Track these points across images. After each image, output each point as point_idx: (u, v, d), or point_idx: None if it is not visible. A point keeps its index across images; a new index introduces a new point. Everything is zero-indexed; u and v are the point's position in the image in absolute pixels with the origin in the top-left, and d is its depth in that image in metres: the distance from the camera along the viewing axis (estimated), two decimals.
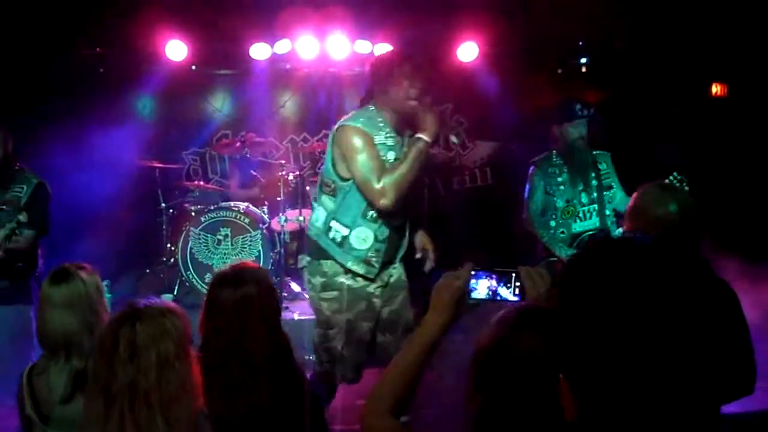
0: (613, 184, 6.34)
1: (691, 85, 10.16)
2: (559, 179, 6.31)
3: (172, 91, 10.33)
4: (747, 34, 8.86)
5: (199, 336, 3.46)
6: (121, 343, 2.77)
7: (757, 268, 7.56)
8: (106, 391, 2.75)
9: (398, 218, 4.78)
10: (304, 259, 4.97)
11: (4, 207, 5.86)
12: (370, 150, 4.49)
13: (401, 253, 5.00)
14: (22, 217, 5.58)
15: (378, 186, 4.43)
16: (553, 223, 6.23)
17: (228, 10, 9.40)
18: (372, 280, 4.80)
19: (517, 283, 2.55)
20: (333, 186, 4.70)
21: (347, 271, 4.74)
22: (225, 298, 3.46)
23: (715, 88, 10.47)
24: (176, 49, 9.75)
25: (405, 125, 4.73)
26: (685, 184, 6.03)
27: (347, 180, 4.61)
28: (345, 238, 4.65)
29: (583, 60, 10.58)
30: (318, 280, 4.82)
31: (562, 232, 6.17)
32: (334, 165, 4.65)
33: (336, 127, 4.66)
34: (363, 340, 4.85)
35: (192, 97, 10.82)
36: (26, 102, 8.91)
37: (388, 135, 4.62)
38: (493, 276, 2.56)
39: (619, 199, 6.21)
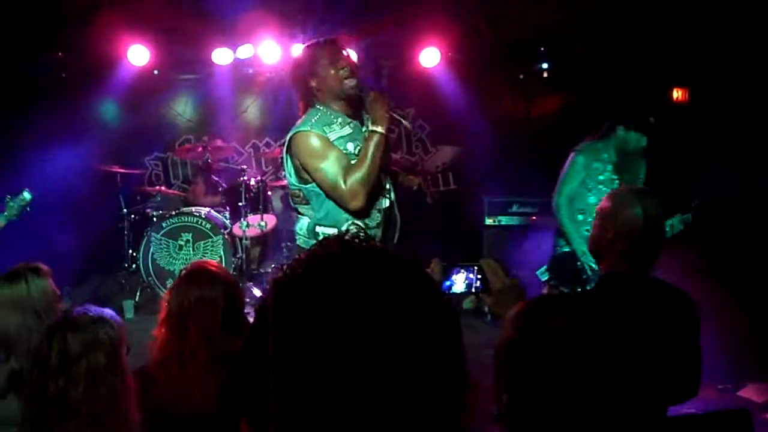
0: None
1: (652, 90, 10.23)
2: (600, 177, 6.21)
3: (135, 95, 10.28)
4: (707, 38, 8.94)
5: (156, 338, 3.47)
6: (53, 352, 2.77)
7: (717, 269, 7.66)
8: (39, 399, 2.75)
9: (385, 201, 4.68)
10: None
11: None
12: (330, 151, 4.33)
13: (397, 233, 4.89)
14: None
15: (346, 188, 4.26)
16: (580, 217, 6.19)
17: (190, 15, 9.37)
18: None
19: (479, 275, 2.62)
20: (302, 194, 4.54)
21: None
22: (190, 298, 3.46)
23: (676, 93, 10.54)
24: (139, 54, 9.73)
25: (357, 107, 4.61)
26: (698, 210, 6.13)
27: (312, 182, 4.46)
28: None
29: (545, 65, 10.63)
30: None
31: (587, 230, 6.06)
32: (297, 176, 4.50)
33: (288, 137, 4.50)
34: None
35: (154, 101, 10.76)
36: None
37: (343, 125, 4.48)
38: (469, 269, 2.62)
39: None
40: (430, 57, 10.08)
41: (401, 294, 1.15)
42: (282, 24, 9.53)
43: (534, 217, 9.22)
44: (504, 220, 9.42)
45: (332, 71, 4.48)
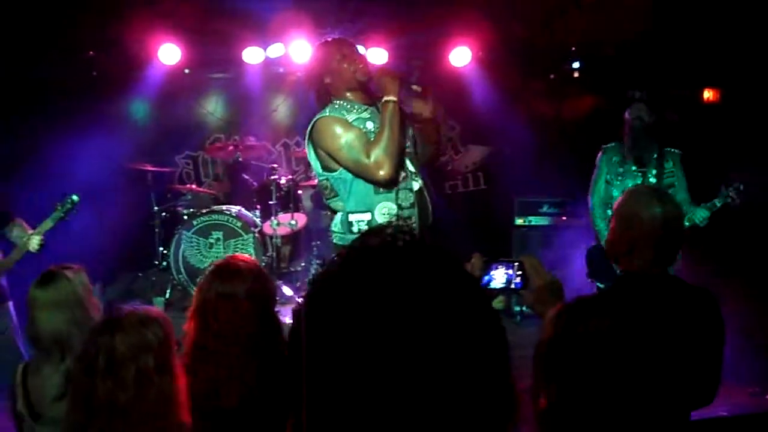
0: (675, 183, 6.38)
1: (684, 90, 10.16)
2: (620, 169, 6.47)
3: (165, 94, 10.31)
4: (739, 39, 8.87)
5: (186, 332, 3.46)
6: (100, 354, 2.74)
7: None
8: (86, 403, 2.73)
9: (414, 184, 4.72)
10: None
11: None
12: (349, 130, 4.44)
13: (431, 218, 4.84)
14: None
15: (370, 161, 4.34)
16: (609, 212, 6.29)
17: (221, 14, 9.39)
18: None
19: (519, 272, 2.61)
20: (329, 185, 4.62)
21: None
22: (214, 293, 3.46)
23: (708, 94, 10.47)
24: (169, 53, 9.75)
25: (372, 96, 4.71)
26: (743, 192, 6.10)
27: (338, 169, 4.54)
28: (370, 222, 4.52)
29: (576, 65, 10.58)
30: None
31: None
32: (322, 165, 4.59)
33: (309, 128, 4.61)
34: None
35: (185, 100, 10.79)
36: (18, 105, 8.91)
37: (360, 110, 4.58)
38: (509, 265, 2.62)
39: (679, 200, 6.24)
40: (460, 56, 10.05)
41: (443, 291, 1.12)
42: (313, 23, 9.53)
43: (564, 218, 9.18)
44: (534, 220, 9.37)
45: (344, 65, 4.61)
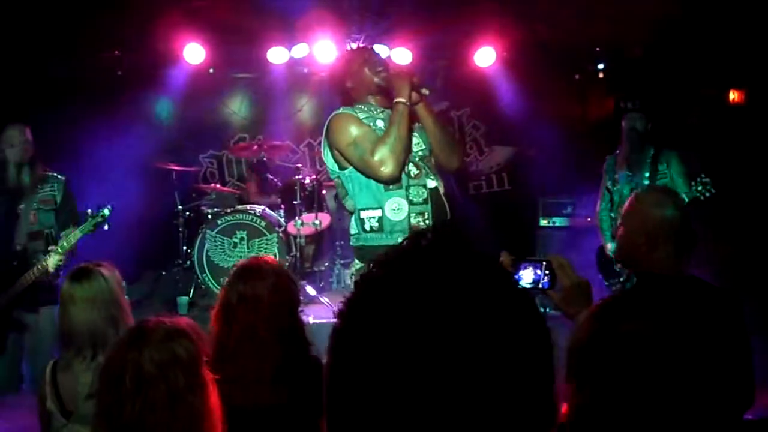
0: (668, 183, 6.44)
1: (709, 91, 10.12)
2: (616, 175, 6.75)
3: (190, 94, 10.36)
4: (765, 40, 8.82)
5: (210, 331, 3.44)
6: (127, 372, 2.55)
7: None
8: (112, 422, 2.57)
9: (428, 181, 4.73)
10: (355, 266, 4.87)
11: (42, 207, 5.99)
12: (359, 127, 4.51)
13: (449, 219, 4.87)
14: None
15: (375, 158, 4.37)
16: (612, 215, 6.56)
17: (246, 14, 9.40)
18: None
19: (547, 272, 2.60)
20: (341, 183, 4.69)
21: None
22: (236, 294, 3.47)
23: (733, 95, 10.41)
24: (194, 53, 9.79)
25: (389, 98, 4.72)
26: (710, 186, 6.11)
27: (348, 167, 4.60)
28: (381, 218, 4.54)
29: (601, 66, 10.55)
30: None
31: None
32: (336, 162, 4.64)
33: (325, 125, 4.70)
34: None
35: (209, 100, 10.85)
36: (44, 104, 8.94)
37: (376, 111, 4.67)
38: (537, 265, 2.62)
39: None
40: (485, 57, 10.04)
41: (491, 295, 1.09)
42: (338, 23, 9.54)
43: (589, 219, 9.13)
44: (558, 221, 9.36)
45: (366, 70, 4.73)
